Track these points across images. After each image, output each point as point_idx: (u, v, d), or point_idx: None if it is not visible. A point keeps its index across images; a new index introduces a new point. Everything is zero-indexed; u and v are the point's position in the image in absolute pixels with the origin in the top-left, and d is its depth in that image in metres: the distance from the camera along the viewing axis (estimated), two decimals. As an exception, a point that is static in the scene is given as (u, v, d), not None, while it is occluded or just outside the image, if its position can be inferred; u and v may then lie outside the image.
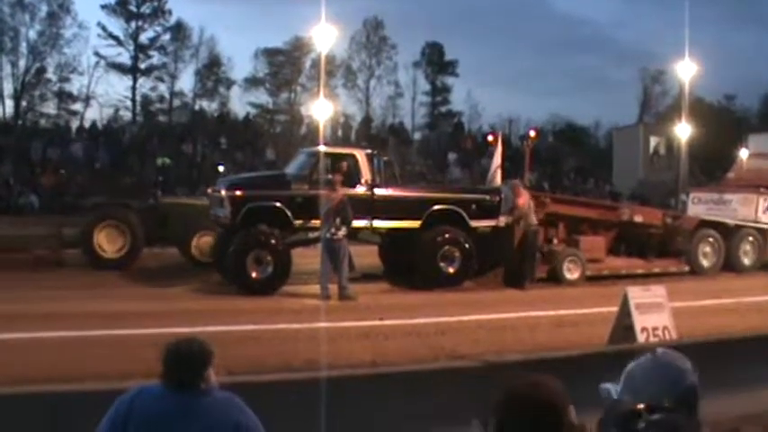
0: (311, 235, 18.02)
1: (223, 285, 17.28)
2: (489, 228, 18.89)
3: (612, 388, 2.49)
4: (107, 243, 19.29)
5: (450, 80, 57.72)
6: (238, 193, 17.44)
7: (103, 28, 48.39)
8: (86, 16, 47.83)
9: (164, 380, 3.79)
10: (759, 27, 75.32)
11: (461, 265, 18.09)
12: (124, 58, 49.27)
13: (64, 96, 48.31)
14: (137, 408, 3.74)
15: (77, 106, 48.95)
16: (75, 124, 47.05)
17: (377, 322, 13.81)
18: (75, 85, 48.52)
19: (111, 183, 31.68)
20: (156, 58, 50.64)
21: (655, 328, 11.19)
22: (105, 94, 48.57)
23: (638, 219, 21.47)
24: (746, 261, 21.94)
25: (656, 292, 11.87)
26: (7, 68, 46.06)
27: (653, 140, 48.50)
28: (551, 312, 15.15)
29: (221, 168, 32.58)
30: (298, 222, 17.40)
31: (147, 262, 20.31)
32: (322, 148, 18.97)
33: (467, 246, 18.10)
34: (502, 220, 18.87)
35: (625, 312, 11.36)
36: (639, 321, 11.16)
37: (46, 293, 15.72)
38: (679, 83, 39.65)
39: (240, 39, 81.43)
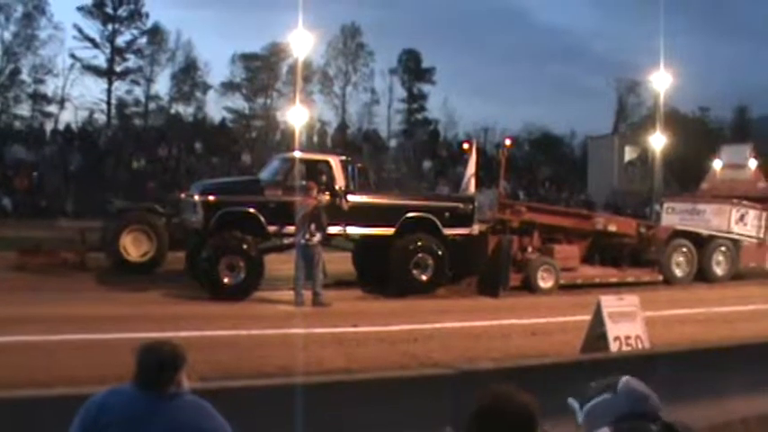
0: (285, 241, 17.94)
1: (195, 290, 17.14)
2: (463, 236, 18.91)
3: (577, 405, 2.49)
4: (133, 247, 19.17)
5: (426, 87, 57.78)
6: (211, 198, 17.35)
7: (79, 30, 48.11)
8: (62, 18, 47.58)
9: (135, 381, 3.79)
10: (734, 39, 76.18)
11: (434, 272, 18.09)
12: (100, 60, 49.06)
13: (38, 98, 47.97)
14: (107, 409, 3.75)
15: (52, 108, 48.65)
16: (49, 126, 46.73)
17: (350, 329, 13.80)
18: (50, 86, 48.30)
19: (85, 186, 31.53)
20: (132, 62, 50.45)
21: (627, 337, 11.24)
22: (80, 97, 48.38)
23: (613, 228, 21.59)
24: (719, 271, 22.10)
25: (630, 301, 11.93)
26: (-19, 70, 45.77)
27: (628, 150, 48.92)
28: (524, 321, 15.22)
29: None
30: (271, 228, 17.33)
31: (170, 266, 20.03)
32: (296, 154, 18.92)
33: (440, 253, 18.11)
34: (475, 229, 18.93)
35: (598, 321, 11.40)
36: (612, 330, 11.21)
37: (18, 296, 15.57)
38: (654, 93, 39.95)
39: (217, 43, 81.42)
